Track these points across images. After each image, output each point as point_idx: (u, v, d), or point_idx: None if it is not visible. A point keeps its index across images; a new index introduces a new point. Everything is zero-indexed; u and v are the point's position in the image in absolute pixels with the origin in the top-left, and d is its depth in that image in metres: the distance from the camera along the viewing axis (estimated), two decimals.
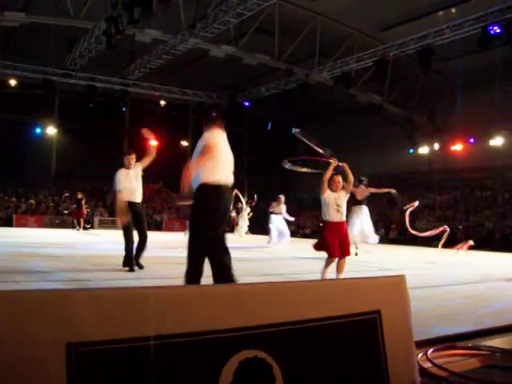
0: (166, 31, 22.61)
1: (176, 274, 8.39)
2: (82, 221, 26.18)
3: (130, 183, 8.42)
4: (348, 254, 7.68)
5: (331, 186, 7.76)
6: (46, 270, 8.20)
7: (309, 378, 1.94)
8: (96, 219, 31.93)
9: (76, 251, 13.02)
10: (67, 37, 23.53)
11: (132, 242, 8.35)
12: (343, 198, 7.76)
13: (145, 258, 8.73)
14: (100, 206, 33.88)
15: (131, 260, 8.24)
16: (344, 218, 7.80)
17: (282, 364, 1.85)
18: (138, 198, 8.52)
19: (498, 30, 17.80)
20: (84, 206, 26.26)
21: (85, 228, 26.22)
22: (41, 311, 1.53)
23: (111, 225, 31.64)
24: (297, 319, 1.95)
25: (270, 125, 36.91)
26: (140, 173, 8.68)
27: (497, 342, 3.65)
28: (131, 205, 8.36)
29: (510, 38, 17.49)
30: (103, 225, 31.69)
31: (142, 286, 1.78)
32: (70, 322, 1.57)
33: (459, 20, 19.61)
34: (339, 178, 7.84)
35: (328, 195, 7.68)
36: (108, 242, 17.82)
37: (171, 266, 9.51)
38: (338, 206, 7.65)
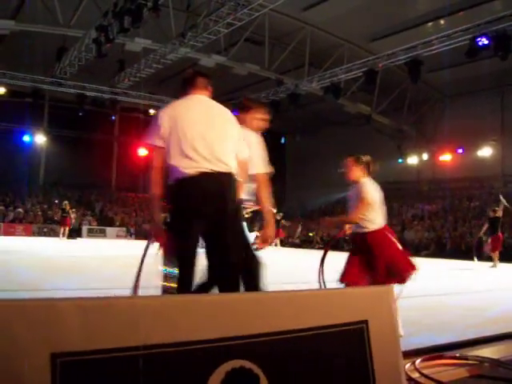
0: (156, 40, 22.61)
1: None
2: (66, 230, 26.06)
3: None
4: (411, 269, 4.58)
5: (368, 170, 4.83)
6: (29, 280, 8.10)
7: None
8: (84, 228, 31.72)
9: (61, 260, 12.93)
10: (57, 45, 23.52)
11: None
12: None
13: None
14: (88, 214, 33.69)
15: None
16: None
17: (269, 374, 1.84)
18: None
19: (486, 42, 17.95)
20: (70, 216, 26.17)
21: (70, 236, 26.07)
22: (25, 321, 1.51)
23: (99, 234, 31.61)
24: (284, 329, 1.94)
25: None
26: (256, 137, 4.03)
27: (485, 351, 3.65)
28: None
29: (498, 49, 17.64)
30: (92, 234, 31.49)
31: (131, 296, 1.76)
32: (55, 331, 1.54)
33: (447, 31, 19.76)
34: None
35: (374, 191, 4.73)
36: (85, 250, 17.68)
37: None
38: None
